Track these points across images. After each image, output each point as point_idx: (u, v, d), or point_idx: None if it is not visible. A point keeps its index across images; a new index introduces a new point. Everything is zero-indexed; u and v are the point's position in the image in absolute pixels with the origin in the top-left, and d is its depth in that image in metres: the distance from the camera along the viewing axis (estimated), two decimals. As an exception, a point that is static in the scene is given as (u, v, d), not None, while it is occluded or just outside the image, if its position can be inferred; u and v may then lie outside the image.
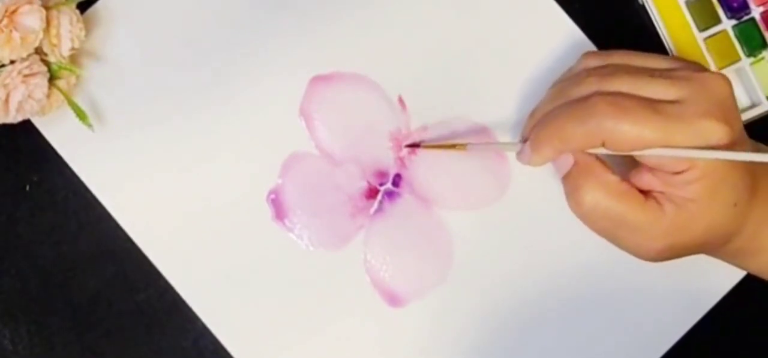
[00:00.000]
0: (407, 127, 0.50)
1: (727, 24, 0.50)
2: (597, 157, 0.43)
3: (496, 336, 0.49)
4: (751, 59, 0.50)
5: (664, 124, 0.40)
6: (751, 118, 0.50)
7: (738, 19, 0.50)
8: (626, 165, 0.44)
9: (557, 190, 0.49)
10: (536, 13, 0.50)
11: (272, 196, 0.49)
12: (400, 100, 0.50)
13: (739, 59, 0.50)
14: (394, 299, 0.49)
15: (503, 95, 0.50)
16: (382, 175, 0.50)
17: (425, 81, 0.50)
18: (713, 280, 0.49)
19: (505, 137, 0.50)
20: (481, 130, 0.50)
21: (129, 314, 0.49)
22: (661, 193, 0.42)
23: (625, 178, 0.43)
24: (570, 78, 0.45)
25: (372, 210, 0.49)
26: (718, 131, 0.41)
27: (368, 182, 0.50)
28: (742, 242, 0.44)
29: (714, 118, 0.41)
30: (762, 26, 0.50)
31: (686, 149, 0.40)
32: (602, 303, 0.49)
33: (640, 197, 0.43)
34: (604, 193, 0.42)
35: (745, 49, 0.50)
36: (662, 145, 0.41)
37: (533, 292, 0.49)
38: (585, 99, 0.42)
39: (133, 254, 0.49)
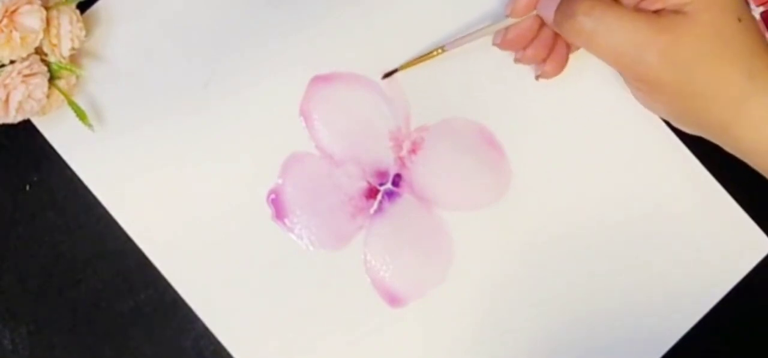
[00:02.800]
0: (407, 126, 0.50)
1: (727, 24, 0.50)
2: None
3: (496, 336, 0.49)
4: (752, 59, 0.50)
5: None
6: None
7: (738, 18, 0.50)
8: None
9: (557, 190, 0.49)
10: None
11: (272, 196, 0.49)
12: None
13: (739, 59, 0.50)
14: (394, 299, 0.49)
15: (504, 95, 0.50)
16: (382, 175, 0.50)
17: (425, 81, 0.50)
18: (713, 281, 0.49)
19: (504, 137, 0.50)
20: (481, 129, 0.50)
21: (129, 314, 0.49)
22: (660, 9, 0.42)
23: None
24: None
25: (372, 210, 0.49)
26: None
27: (368, 182, 0.50)
28: (761, 100, 0.42)
29: None
30: (762, 26, 0.50)
31: None
32: (602, 303, 0.49)
33: (637, 9, 0.42)
34: (599, 5, 0.42)
35: (745, 48, 0.50)
36: None
37: (533, 292, 0.49)
38: None
39: (133, 254, 0.49)
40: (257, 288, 0.49)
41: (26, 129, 0.49)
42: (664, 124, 0.49)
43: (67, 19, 0.46)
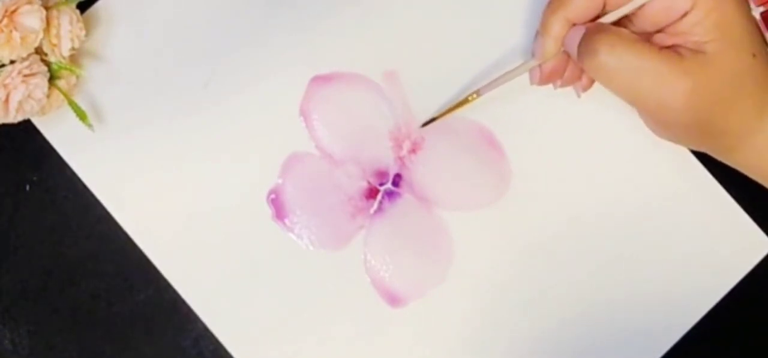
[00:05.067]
0: (407, 126, 0.50)
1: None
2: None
3: (495, 336, 0.49)
4: (752, 59, 0.50)
5: None
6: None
7: (738, 18, 0.50)
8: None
9: (557, 190, 0.49)
10: (536, 12, 0.50)
11: (272, 196, 0.49)
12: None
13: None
14: (394, 299, 0.49)
15: (504, 95, 0.50)
16: (382, 175, 0.50)
17: (426, 80, 0.50)
18: (713, 281, 0.49)
19: (505, 137, 0.50)
20: (481, 129, 0.50)
21: (129, 314, 0.49)
22: (676, 45, 0.42)
23: None
24: None
25: (372, 210, 0.49)
26: None
27: (368, 182, 0.50)
28: (765, 140, 0.43)
29: None
30: (762, 26, 0.50)
31: None
32: (602, 303, 0.49)
33: (655, 46, 0.42)
34: (618, 41, 0.42)
35: (745, 48, 0.50)
36: None
37: (533, 292, 0.49)
38: None
39: (133, 254, 0.49)
40: (257, 288, 0.49)
41: (26, 129, 0.49)
42: (664, 124, 0.49)
43: (67, 19, 0.46)
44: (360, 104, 0.50)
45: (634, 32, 0.44)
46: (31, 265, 0.49)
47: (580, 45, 0.43)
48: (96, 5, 0.50)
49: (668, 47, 0.43)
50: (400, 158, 0.50)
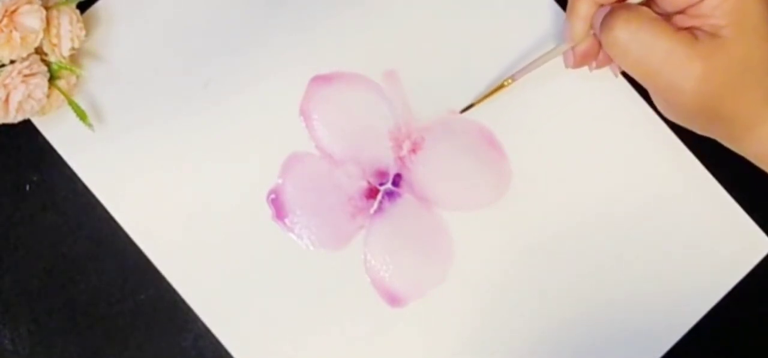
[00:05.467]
0: (407, 126, 0.50)
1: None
2: None
3: (496, 336, 0.49)
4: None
5: None
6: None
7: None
8: None
9: (557, 190, 0.49)
10: (536, 11, 0.50)
11: (272, 196, 0.49)
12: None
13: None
14: (394, 299, 0.49)
15: (504, 95, 0.50)
16: (382, 175, 0.50)
17: (426, 80, 0.50)
18: (713, 281, 0.49)
19: (505, 137, 0.50)
20: (481, 129, 0.50)
21: (129, 314, 0.49)
22: (693, 27, 0.42)
23: None
24: None
25: (372, 210, 0.49)
26: None
27: (368, 182, 0.50)
28: None
29: None
30: None
31: None
32: (602, 303, 0.49)
33: (673, 26, 0.42)
34: (635, 18, 0.42)
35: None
36: None
37: (533, 292, 0.49)
38: None
39: (133, 254, 0.49)
40: (257, 288, 0.49)
41: (26, 129, 0.49)
42: (664, 125, 0.49)
43: (67, 19, 0.46)
44: (360, 104, 0.50)
45: (655, 13, 0.44)
46: (31, 265, 0.49)
47: (601, 20, 0.44)
48: (96, 5, 0.50)
49: (686, 29, 0.42)
50: (400, 158, 0.50)
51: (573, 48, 0.46)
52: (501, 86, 0.48)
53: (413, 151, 0.50)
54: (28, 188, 0.49)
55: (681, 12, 0.43)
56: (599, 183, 0.50)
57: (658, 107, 0.46)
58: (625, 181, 0.50)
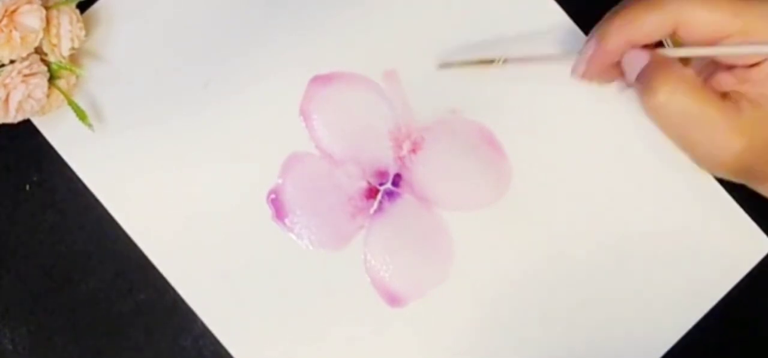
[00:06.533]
0: (407, 126, 0.50)
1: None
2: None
3: (496, 336, 0.49)
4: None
5: (741, 9, 0.39)
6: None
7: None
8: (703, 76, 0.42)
9: (557, 190, 0.49)
10: (536, 11, 0.50)
11: (272, 196, 0.49)
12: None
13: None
14: (394, 299, 0.49)
15: (504, 95, 0.50)
16: (382, 175, 0.50)
17: (426, 80, 0.50)
18: (713, 281, 0.49)
19: (504, 137, 0.50)
20: (481, 129, 0.50)
21: (129, 314, 0.49)
22: (738, 92, 0.41)
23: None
24: None
25: (372, 210, 0.49)
26: None
27: (368, 182, 0.50)
28: None
29: None
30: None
31: (762, 44, 0.39)
32: (602, 303, 0.49)
33: (717, 93, 0.41)
34: (679, 86, 0.40)
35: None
36: (740, 35, 0.39)
37: (533, 292, 0.49)
38: None
39: (133, 254, 0.49)
40: (257, 288, 0.49)
41: (26, 129, 0.49)
42: (664, 124, 0.49)
43: (67, 19, 0.46)
44: (360, 104, 0.50)
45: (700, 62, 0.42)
46: (31, 265, 0.49)
47: (639, 76, 0.42)
48: (96, 5, 0.50)
49: (728, 96, 0.41)
50: (400, 158, 0.50)
51: (588, 64, 0.44)
52: (490, 61, 0.47)
53: (413, 151, 0.50)
54: (28, 188, 0.49)
55: (728, 69, 0.41)
56: (599, 183, 0.50)
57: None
58: (624, 181, 0.50)
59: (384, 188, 0.50)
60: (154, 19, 0.50)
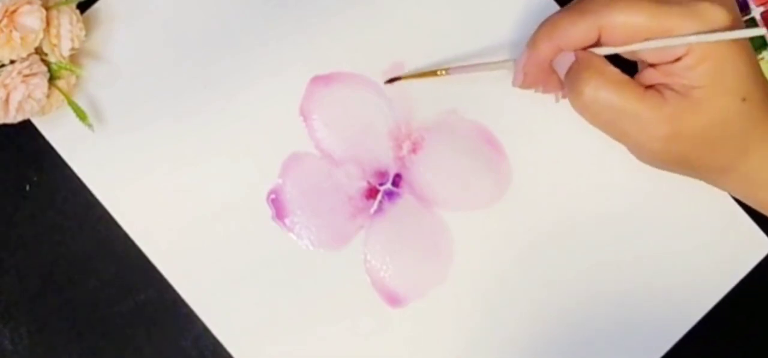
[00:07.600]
0: (407, 126, 0.50)
1: (727, 24, 0.50)
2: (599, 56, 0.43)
3: (496, 336, 0.49)
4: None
5: (658, 10, 0.41)
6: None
7: (738, 18, 0.50)
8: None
9: (557, 190, 0.49)
10: (537, 12, 0.50)
11: (272, 196, 0.49)
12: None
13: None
14: (394, 299, 0.49)
15: (504, 95, 0.50)
16: (382, 175, 0.50)
17: (426, 80, 0.50)
18: (713, 281, 0.49)
19: (505, 137, 0.50)
20: (481, 129, 0.50)
21: (129, 314, 0.49)
22: (663, 84, 0.42)
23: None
24: None
25: (372, 210, 0.49)
26: (714, 13, 0.40)
27: (368, 182, 0.50)
28: (753, 165, 0.43)
29: (709, 0, 0.41)
30: (762, 26, 0.50)
31: (680, 37, 0.40)
32: (602, 303, 0.49)
33: (641, 86, 0.42)
34: (603, 82, 0.42)
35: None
36: (658, 31, 0.41)
37: (532, 292, 0.49)
38: None
39: (133, 254, 0.49)
40: (257, 288, 0.49)
41: (26, 129, 0.49)
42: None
43: (67, 19, 0.46)
44: (360, 104, 0.50)
45: (625, 58, 0.44)
46: (31, 265, 0.49)
47: (566, 76, 0.44)
48: (96, 5, 0.50)
49: (652, 87, 0.42)
50: (400, 158, 0.50)
51: (524, 71, 0.46)
52: (433, 73, 0.48)
53: (413, 151, 0.50)
54: (28, 188, 0.49)
55: (652, 66, 0.43)
56: (599, 183, 0.50)
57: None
58: (625, 181, 0.50)
59: (384, 188, 0.50)
60: (154, 19, 0.50)
